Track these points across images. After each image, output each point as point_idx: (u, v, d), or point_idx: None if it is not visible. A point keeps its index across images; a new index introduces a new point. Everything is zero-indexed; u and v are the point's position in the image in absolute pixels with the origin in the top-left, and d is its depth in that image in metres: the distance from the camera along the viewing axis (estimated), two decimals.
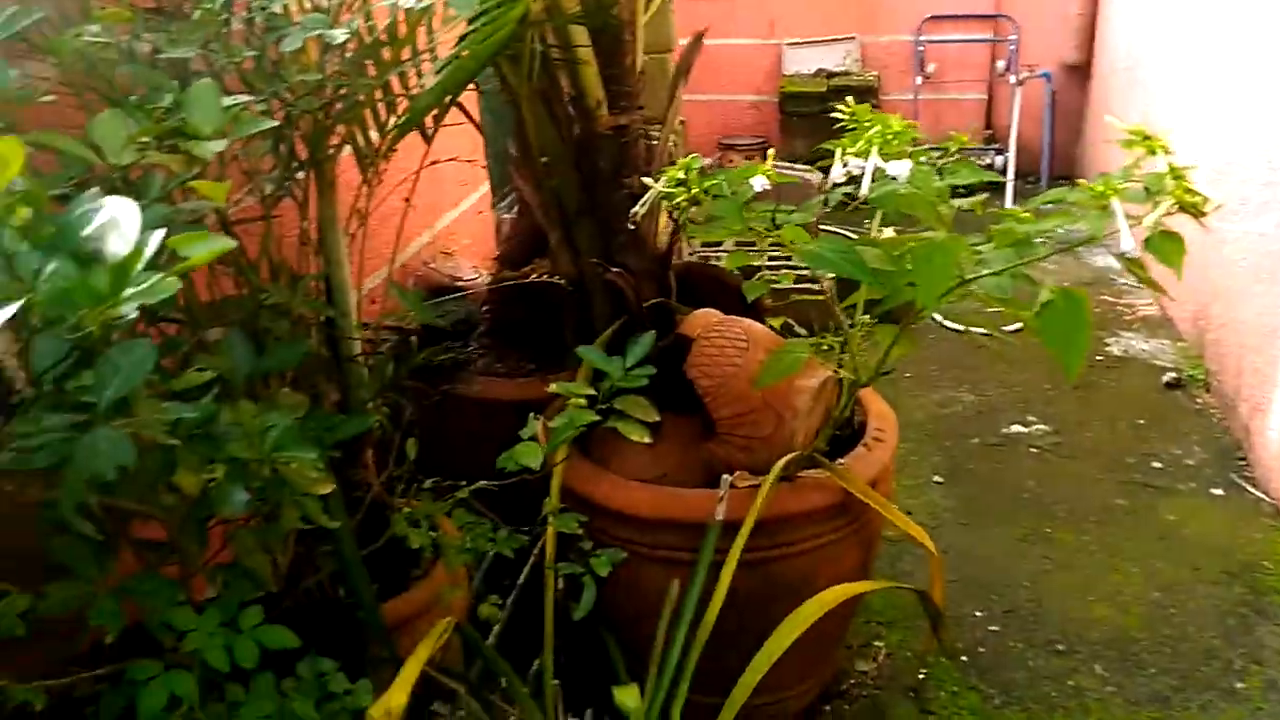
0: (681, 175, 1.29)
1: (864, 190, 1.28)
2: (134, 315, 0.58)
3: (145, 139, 0.92)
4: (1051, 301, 1.24)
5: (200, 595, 1.16)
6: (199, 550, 1.05)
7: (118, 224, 0.56)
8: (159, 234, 0.56)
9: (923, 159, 1.30)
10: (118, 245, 0.55)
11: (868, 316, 1.69)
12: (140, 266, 0.55)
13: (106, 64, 1.04)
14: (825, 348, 1.79)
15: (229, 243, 0.57)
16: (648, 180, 1.40)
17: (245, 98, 0.96)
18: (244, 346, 1.12)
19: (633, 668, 1.80)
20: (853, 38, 5.04)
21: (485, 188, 3.04)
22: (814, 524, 1.75)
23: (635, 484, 1.78)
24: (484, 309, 2.42)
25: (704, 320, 1.85)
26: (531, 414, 1.28)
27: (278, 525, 1.15)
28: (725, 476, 1.62)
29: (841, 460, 1.78)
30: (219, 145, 0.88)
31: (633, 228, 1.82)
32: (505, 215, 3.27)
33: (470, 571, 1.55)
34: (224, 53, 1.06)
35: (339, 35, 1.06)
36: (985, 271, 1.36)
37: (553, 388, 1.28)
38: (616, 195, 1.79)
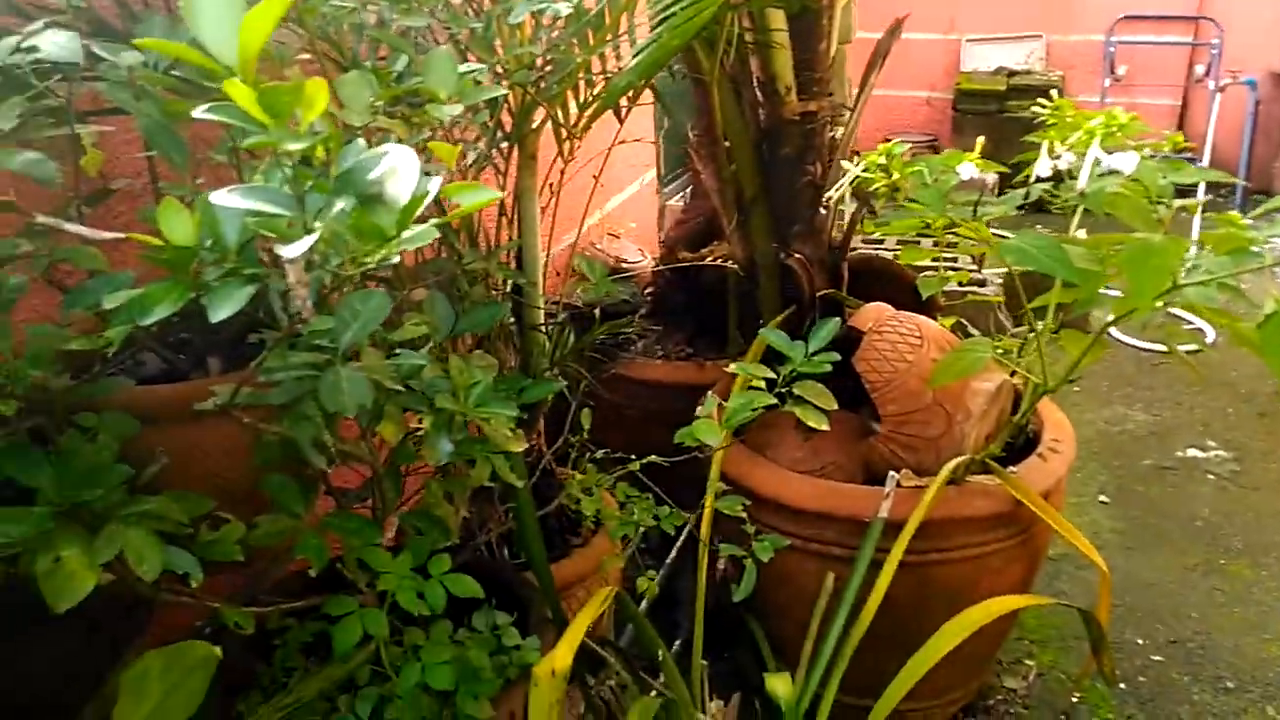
0: (882, 160, 1.26)
1: (1081, 183, 1.22)
2: (396, 259, 0.61)
3: (379, 102, 0.97)
4: (1276, 313, 1.16)
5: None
6: (396, 496, 1.10)
7: (398, 170, 0.59)
8: (436, 180, 0.59)
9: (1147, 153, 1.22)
10: (398, 189, 0.58)
11: (1049, 320, 1.62)
12: (419, 211, 0.58)
13: (343, 30, 1.10)
14: (1003, 350, 1.74)
15: (496, 193, 0.59)
16: (845, 164, 1.37)
17: (476, 65, 0.99)
18: (445, 307, 1.17)
19: (777, 657, 1.79)
20: (1039, 36, 4.82)
21: (653, 171, 3.06)
22: (979, 531, 1.70)
23: (794, 474, 1.76)
24: (646, 291, 2.44)
25: (876, 314, 1.82)
26: (709, 392, 1.28)
27: (463, 479, 1.19)
28: (892, 474, 1.58)
29: (1014, 469, 1.71)
30: (455, 110, 0.92)
31: (811, 215, 1.80)
32: (672, 200, 3.29)
33: (625, 544, 1.57)
34: (453, 22, 1.10)
35: (563, 8, 1.09)
36: (1197, 278, 1.29)
37: (732, 367, 1.28)
38: (797, 182, 1.77)
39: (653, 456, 1.38)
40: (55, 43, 0.69)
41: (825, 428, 1.25)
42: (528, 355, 1.46)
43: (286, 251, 0.57)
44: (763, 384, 1.25)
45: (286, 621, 1.20)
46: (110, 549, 0.79)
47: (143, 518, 0.83)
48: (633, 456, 1.42)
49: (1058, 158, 1.32)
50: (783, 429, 1.88)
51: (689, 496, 1.57)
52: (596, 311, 1.53)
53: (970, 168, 1.28)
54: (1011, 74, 4.72)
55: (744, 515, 1.38)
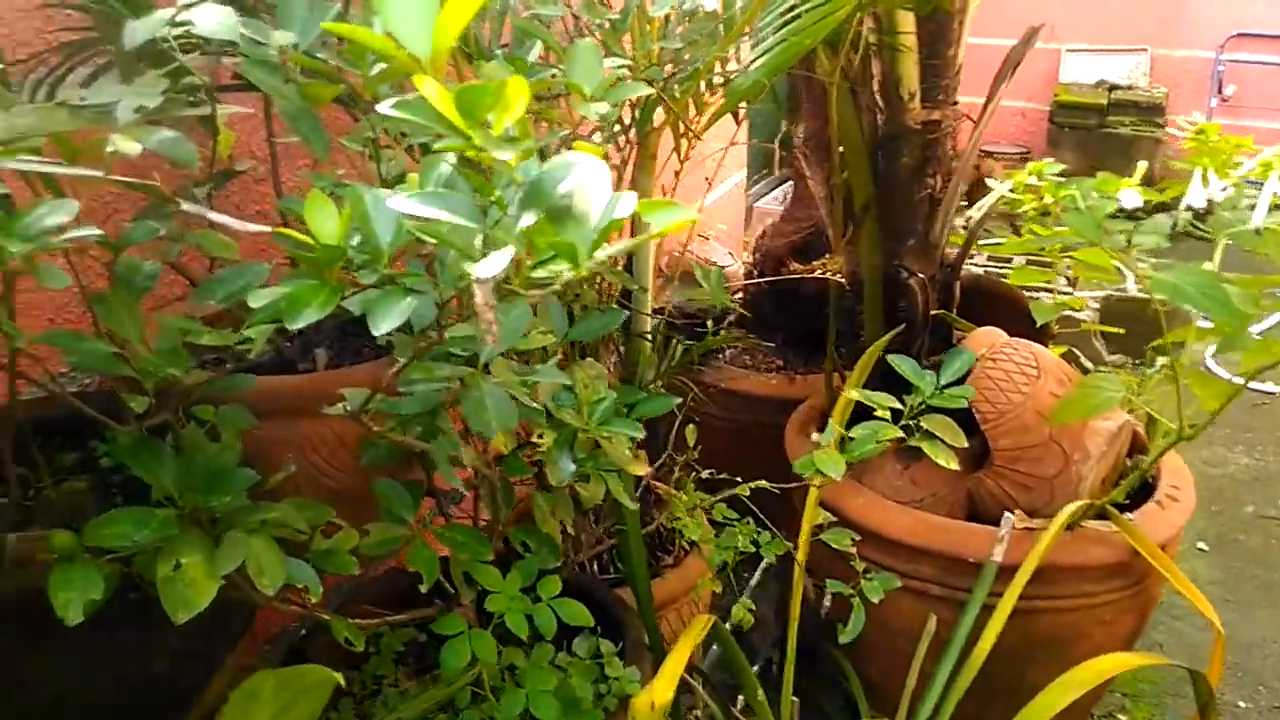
0: (1032, 179, 1.17)
1: (1257, 219, 1.12)
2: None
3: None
4: None
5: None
6: (508, 510, 1.04)
7: (588, 183, 0.52)
8: (630, 197, 0.52)
9: None
10: (588, 204, 0.52)
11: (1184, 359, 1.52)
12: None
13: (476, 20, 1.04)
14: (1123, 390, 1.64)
15: (693, 214, 0.53)
16: (992, 181, 1.29)
17: (617, 60, 0.93)
18: (560, 314, 1.11)
19: (870, 699, 1.71)
20: (1143, 49, 4.63)
21: (742, 172, 2.99)
22: (1091, 581, 1.60)
23: (894, 505, 1.68)
24: (734, 296, 2.37)
25: (990, 339, 1.73)
26: (831, 420, 1.21)
27: (564, 494, 1.14)
28: (1008, 515, 1.50)
29: (1131, 516, 1.61)
30: (602, 107, 0.86)
31: (927, 230, 1.71)
32: (758, 203, 3.21)
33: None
34: (589, 12, 1.04)
35: (708, 3, 1.02)
36: None
37: (852, 394, 1.21)
38: (915, 194, 1.69)
39: (763, 482, 1.30)
40: (212, 19, 0.64)
41: (956, 467, 1.17)
42: (632, 365, 1.40)
43: (479, 270, 0.51)
44: (888, 414, 1.17)
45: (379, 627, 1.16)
46: (233, 559, 0.75)
47: (265, 526, 0.78)
48: (738, 480, 1.35)
49: (1220, 187, 1.22)
50: (881, 455, 1.80)
51: (769, 511, 1.50)
52: (709, 323, 1.46)
53: (1134, 195, 1.19)
54: (1113, 88, 4.55)
55: (853, 551, 1.31)
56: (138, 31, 0.63)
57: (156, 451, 0.75)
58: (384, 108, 0.54)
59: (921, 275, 1.64)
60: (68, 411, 1.04)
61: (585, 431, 0.94)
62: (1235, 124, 4.56)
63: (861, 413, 1.72)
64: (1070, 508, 1.52)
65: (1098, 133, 4.41)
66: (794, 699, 1.51)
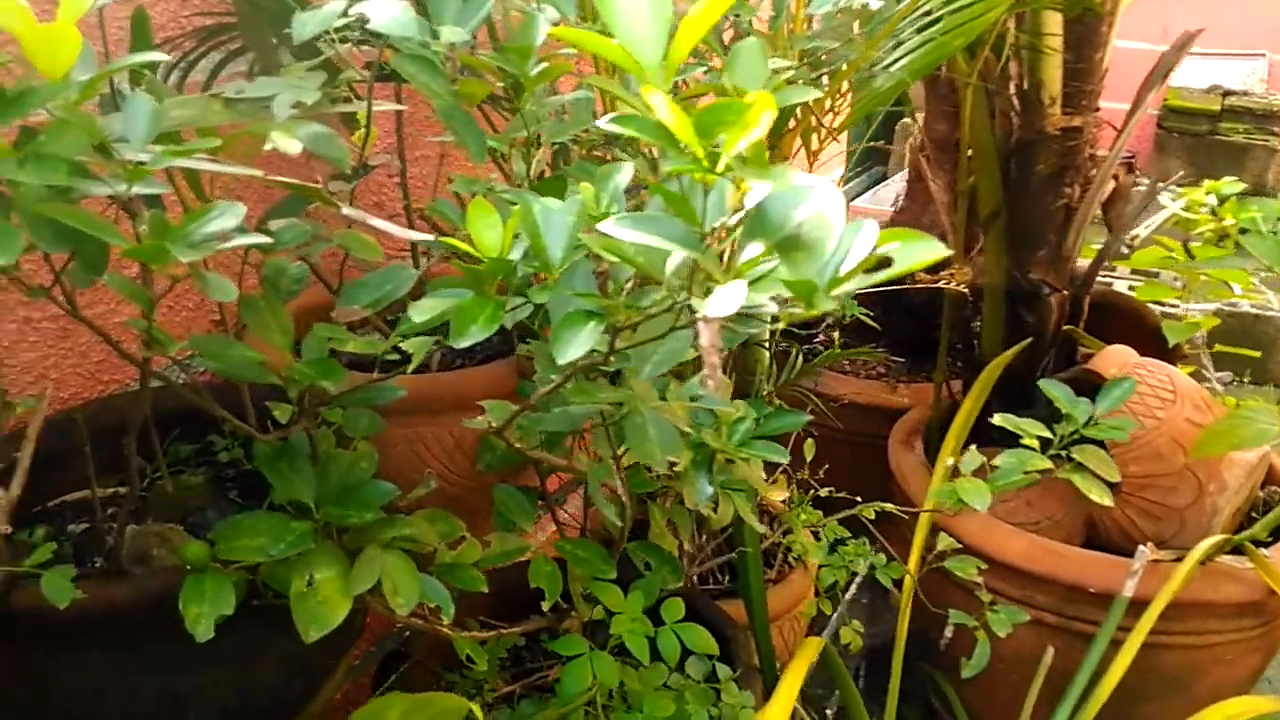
0: (1209, 198, 1.08)
1: None
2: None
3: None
4: None
5: None
6: (626, 528, 1.00)
7: (826, 211, 0.47)
8: (871, 228, 0.46)
9: None
10: (822, 235, 0.46)
11: None
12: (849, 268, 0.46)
13: None
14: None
15: (945, 249, 0.47)
16: (1164, 199, 1.20)
17: (783, 62, 0.87)
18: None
19: None
20: (1261, 54, 4.39)
21: (840, 169, 2.90)
22: (1219, 618, 1.50)
23: (1010, 528, 1.60)
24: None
25: (1121, 359, 1.63)
26: (973, 446, 1.14)
27: (685, 513, 1.09)
28: (1142, 549, 1.40)
29: (1266, 553, 1.51)
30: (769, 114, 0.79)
31: (1059, 241, 1.62)
32: (855, 200, 3.12)
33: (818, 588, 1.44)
34: (743, 9, 0.98)
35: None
36: None
37: (998, 420, 1.13)
38: (1050, 204, 1.59)
39: (887, 505, 1.24)
40: (387, 13, 0.60)
41: (1109, 503, 1.09)
42: (747, 376, 1.34)
43: (711, 309, 0.46)
44: (1035, 442, 1.10)
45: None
46: (369, 577, 0.71)
47: (399, 542, 0.74)
48: (854, 499, 1.28)
49: None
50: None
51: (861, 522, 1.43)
52: (835, 332, 1.39)
53: None
54: (1227, 94, 4.32)
55: (979, 581, 1.23)
56: (308, 25, 0.59)
57: (295, 461, 0.72)
58: (603, 123, 0.49)
59: (1055, 289, 1.55)
60: (185, 403, 1.03)
61: (722, 453, 0.88)
62: None
63: (978, 431, 1.65)
64: (1207, 543, 1.42)
65: (1208, 139, 4.20)
66: None
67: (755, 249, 0.47)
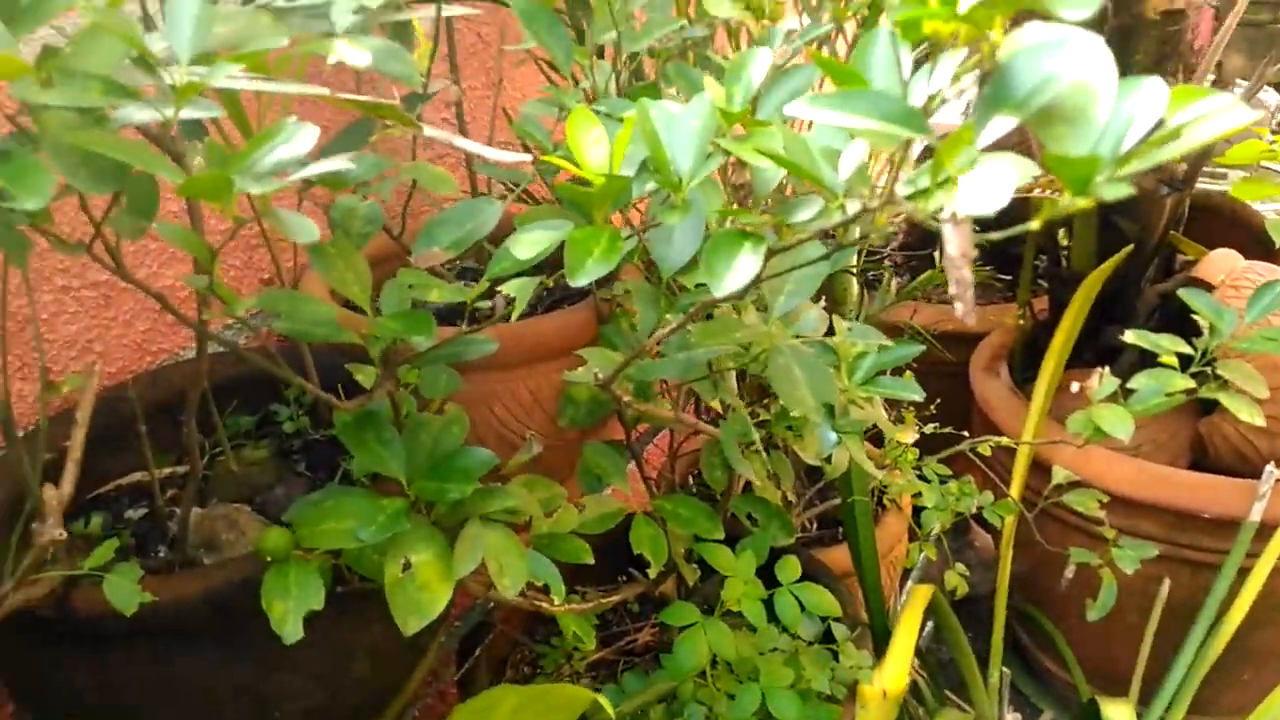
0: None
1: None
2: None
3: None
4: None
5: None
6: (731, 483, 0.90)
7: (1090, 74, 0.36)
8: (1155, 86, 0.36)
9: None
10: (1089, 104, 0.36)
11: None
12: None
13: None
14: None
15: (1251, 113, 0.36)
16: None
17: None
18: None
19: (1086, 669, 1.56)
20: None
21: None
22: None
23: (1111, 454, 1.49)
24: (899, 217, 2.16)
25: (1229, 264, 1.50)
26: (1102, 370, 1.03)
27: (786, 462, 0.99)
28: (1270, 468, 1.30)
29: None
30: None
31: None
32: None
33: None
34: None
35: None
36: None
37: (1130, 337, 1.02)
38: None
39: (1002, 439, 1.14)
40: None
41: (1261, 422, 0.98)
42: (833, 306, 1.23)
43: (963, 202, 0.36)
44: (1174, 360, 0.98)
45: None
46: (473, 557, 0.62)
47: (501, 515, 0.65)
48: (964, 434, 1.18)
49: None
50: (1084, 395, 1.61)
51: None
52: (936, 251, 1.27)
53: None
54: None
55: (1101, 515, 1.13)
56: None
57: (380, 430, 0.62)
58: None
59: (1158, 192, 1.42)
60: (243, 371, 0.94)
61: (847, 393, 0.78)
62: None
63: (1081, 352, 1.53)
64: None
65: (1269, 29, 3.95)
66: (1005, 670, 1.37)
67: (1001, 125, 0.37)
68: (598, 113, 0.59)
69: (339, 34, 0.52)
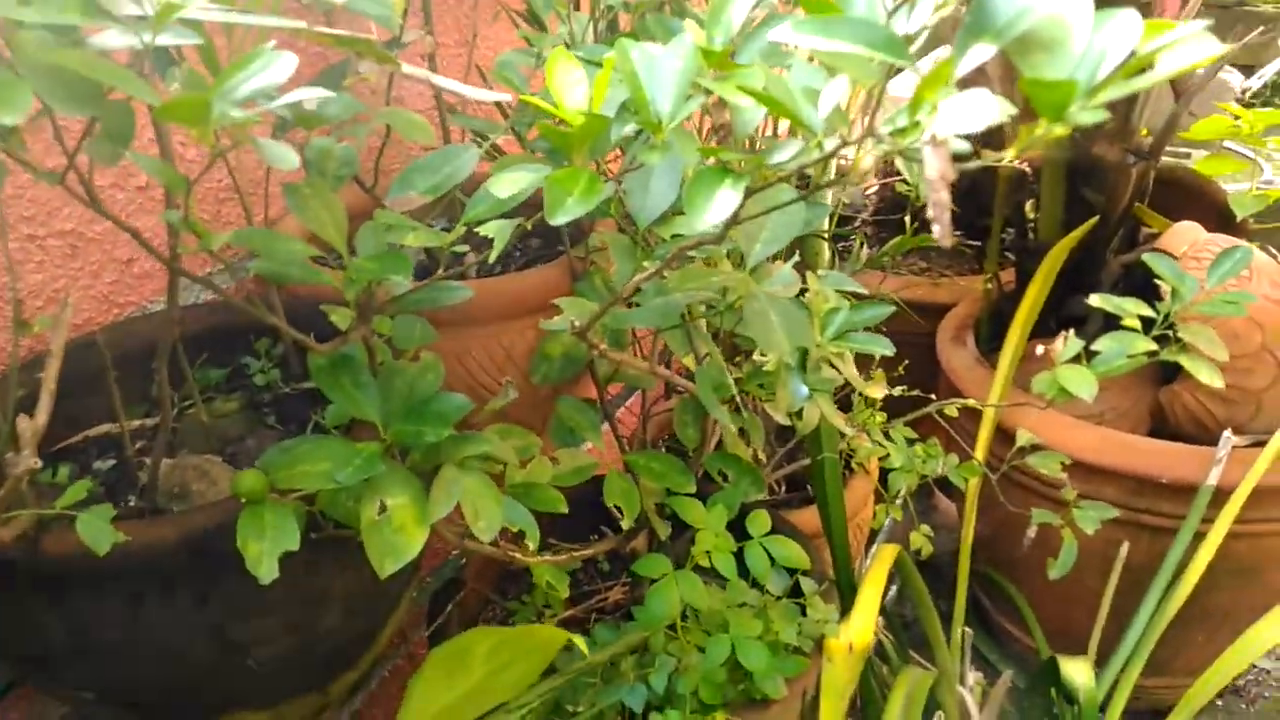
0: None
1: None
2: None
3: None
4: None
5: None
6: (703, 441, 0.91)
7: (1063, 6, 0.37)
8: (1129, 16, 0.37)
9: None
10: (1064, 32, 0.36)
11: None
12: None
13: None
14: None
15: (1221, 46, 0.37)
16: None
17: None
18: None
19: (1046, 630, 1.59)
20: None
21: None
22: None
23: (1074, 420, 1.52)
24: (867, 191, 2.18)
25: (1191, 236, 1.53)
26: (1066, 332, 1.05)
27: (756, 419, 1.00)
28: (1227, 435, 1.33)
29: None
30: None
31: (1128, 109, 1.50)
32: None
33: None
34: None
35: None
36: None
37: (1095, 300, 1.04)
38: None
39: (968, 401, 1.16)
40: None
41: (1220, 384, 1.00)
42: (805, 268, 1.24)
43: (942, 122, 0.36)
44: (1137, 324, 1.01)
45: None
46: (448, 500, 0.63)
47: (477, 461, 0.65)
48: (931, 396, 1.20)
49: None
50: (1048, 360, 1.64)
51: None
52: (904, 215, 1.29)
53: None
54: None
55: (1064, 479, 1.16)
56: None
57: (357, 375, 0.62)
58: None
59: (1124, 162, 1.44)
60: (213, 322, 0.93)
61: (819, 347, 0.79)
62: None
63: (1045, 321, 1.56)
64: None
65: (1235, 10, 4.01)
66: (967, 629, 1.40)
67: (981, 53, 0.37)
68: (577, 57, 0.60)
69: None
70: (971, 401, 1.17)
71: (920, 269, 2.02)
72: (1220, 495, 1.34)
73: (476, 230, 0.64)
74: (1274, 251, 1.79)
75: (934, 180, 0.37)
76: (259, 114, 0.40)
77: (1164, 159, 1.69)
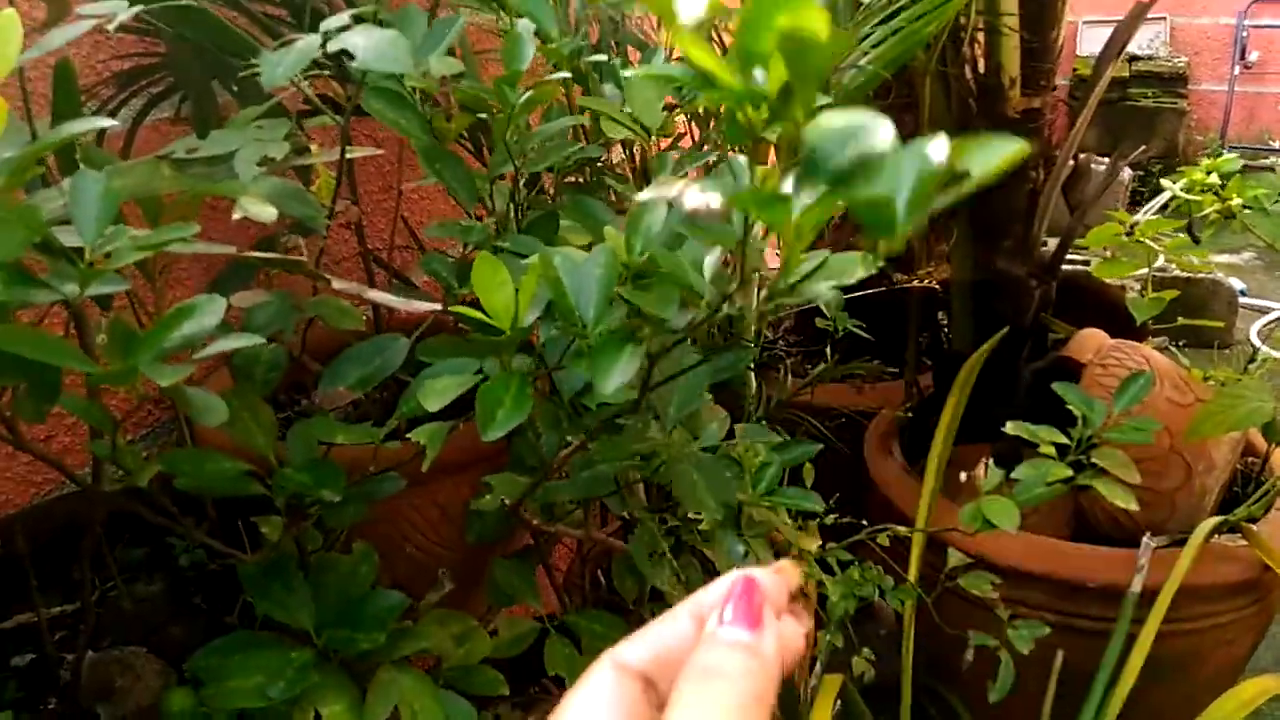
0: (1208, 178, 1.05)
1: None
2: None
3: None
4: None
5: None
6: (642, 591, 0.91)
7: (882, 147, 0.39)
8: (937, 141, 0.39)
9: None
10: (879, 163, 0.38)
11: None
12: None
13: None
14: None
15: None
16: (1165, 182, 1.16)
17: None
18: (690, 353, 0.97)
19: None
20: (1162, 18, 4.51)
21: None
22: (1218, 600, 1.48)
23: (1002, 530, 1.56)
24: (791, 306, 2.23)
25: (1096, 342, 1.60)
26: (987, 461, 1.09)
27: (696, 565, 1.00)
28: (1145, 539, 1.38)
29: (1255, 527, 1.50)
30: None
31: (1026, 230, 1.59)
32: None
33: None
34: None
35: None
36: None
37: (1010, 428, 1.08)
38: (1014, 191, 1.56)
39: (900, 529, 1.18)
40: (379, 46, 0.49)
41: (1135, 507, 1.04)
42: (736, 401, 1.27)
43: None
44: (1052, 450, 1.04)
45: None
46: (385, 705, 0.61)
47: (412, 657, 0.64)
48: (862, 523, 1.22)
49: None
50: (969, 467, 1.68)
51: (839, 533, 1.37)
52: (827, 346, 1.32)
53: None
54: (1133, 59, 4.42)
55: (995, 598, 1.18)
56: (279, 67, 0.48)
57: (287, 579, 0.61)
58: (631, 74, 0.40)
59: (1038, 279, 1.51)
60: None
61: (751, 504, 0.80)
62: (1262, 91, 4.45)
63: (965, 429, 1.60)
64: (1207, 525, 1.40)
65: (1120, 106, 4.29)
66: None
67: (813, 194, 0.39)
68: (500, 250, 0.61)
69: (237, 184, 0.52)
70: (903, 530, 1.18)
71: (842, 377, 2.06)
72: (1146, 597, 1.37)
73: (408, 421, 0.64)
74: (1175, 352, 1.88)
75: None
76: (190, 368, 0.40)
77: (1066, 266, 1.78)
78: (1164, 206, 1.55)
